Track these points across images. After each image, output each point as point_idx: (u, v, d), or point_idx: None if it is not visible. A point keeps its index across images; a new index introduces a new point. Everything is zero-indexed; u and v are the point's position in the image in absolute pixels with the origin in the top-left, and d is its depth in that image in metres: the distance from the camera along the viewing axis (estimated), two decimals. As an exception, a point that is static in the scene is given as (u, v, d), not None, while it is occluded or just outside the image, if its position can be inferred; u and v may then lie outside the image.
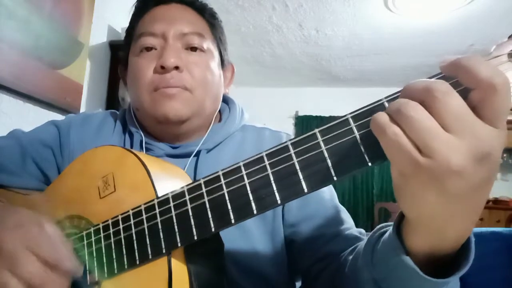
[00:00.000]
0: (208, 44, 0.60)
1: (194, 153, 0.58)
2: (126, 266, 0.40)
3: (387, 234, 0.36)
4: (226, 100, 0.68)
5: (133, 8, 0.63)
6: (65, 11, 1.53)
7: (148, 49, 0.57)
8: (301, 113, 4.63)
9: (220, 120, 0.66)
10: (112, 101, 1.95)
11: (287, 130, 4.62)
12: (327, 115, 4.53)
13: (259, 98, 4.37)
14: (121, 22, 2.04)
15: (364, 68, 3.84)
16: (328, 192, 0.60)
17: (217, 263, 0.42)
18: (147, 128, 0.62)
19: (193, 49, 0.58)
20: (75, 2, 1.60)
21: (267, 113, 4.01)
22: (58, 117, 1.57)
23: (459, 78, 0.26)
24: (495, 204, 3.67)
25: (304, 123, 4.58)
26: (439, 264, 0.33)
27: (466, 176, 0.25)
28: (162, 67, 0.54)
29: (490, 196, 3.76)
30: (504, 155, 3.89)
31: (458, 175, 0.25)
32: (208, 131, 0.61)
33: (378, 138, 0.28)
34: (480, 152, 0.24)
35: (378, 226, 0.40)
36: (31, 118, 1.41)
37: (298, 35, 3.13)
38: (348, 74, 4.07)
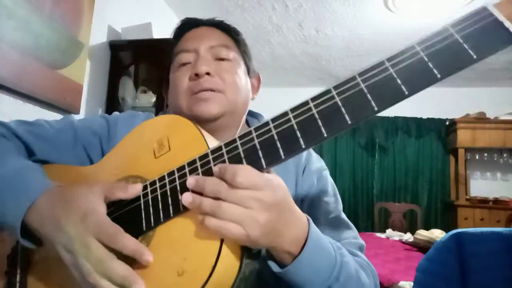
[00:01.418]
0: (234, 54, 0.69)
1: None
2: (182, 210, 0.43)
3: None
4: (256, 115, 0.81)
5: (173, 33, 0.74)
6: (65, 11, 1.54)
7: (184, 64, 0.67)
8: (301, 113, 4.62)
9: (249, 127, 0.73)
10: (112, 101, 1.95)
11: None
12: (327, 115, 4.52)
13: (259, 98, 4.31)
14: (121, 22, 2.04)
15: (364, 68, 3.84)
16: (336, 205, 0.68)
17: None
18: None
19: (222, 59, 0.67)
20: (75, 2, 1.60)
21: (267, 113, 4.00)
22: (58, 117, 1.56)
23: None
24: (495, 204, 3.66)
25: (304, 123, 4.58)
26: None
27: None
28: (196, 75, 0.64)
29: (490, 196, 3.76)
30: (504, 155, 3.89)
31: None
32: (239, 130, 0.70)
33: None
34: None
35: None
36: (31, 118, 1.41)
37: (298, 35, 3.13)
38: (348, 74, 4.04)
